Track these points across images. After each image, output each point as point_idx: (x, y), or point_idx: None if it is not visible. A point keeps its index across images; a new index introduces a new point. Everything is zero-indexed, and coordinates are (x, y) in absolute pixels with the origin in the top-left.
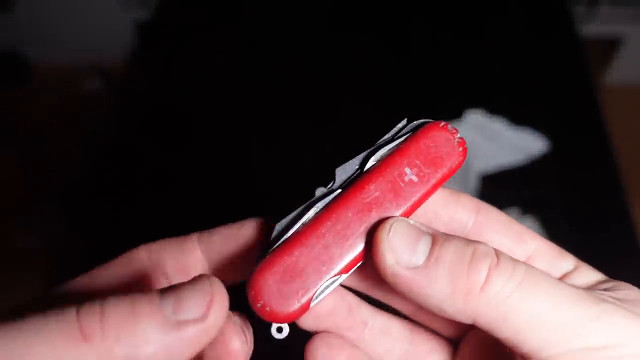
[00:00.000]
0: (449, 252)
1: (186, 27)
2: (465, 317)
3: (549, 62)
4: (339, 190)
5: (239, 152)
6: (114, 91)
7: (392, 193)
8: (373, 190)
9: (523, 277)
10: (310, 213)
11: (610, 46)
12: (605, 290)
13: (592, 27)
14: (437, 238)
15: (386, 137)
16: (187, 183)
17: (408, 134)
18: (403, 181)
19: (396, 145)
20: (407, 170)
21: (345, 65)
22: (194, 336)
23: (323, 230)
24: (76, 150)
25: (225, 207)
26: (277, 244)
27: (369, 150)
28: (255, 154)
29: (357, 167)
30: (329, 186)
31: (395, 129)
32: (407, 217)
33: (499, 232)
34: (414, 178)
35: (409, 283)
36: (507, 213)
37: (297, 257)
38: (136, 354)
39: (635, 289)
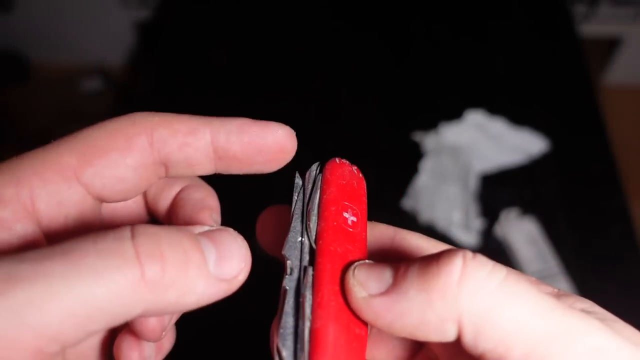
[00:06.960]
0: (415, 265)
1: (186, 27)
2: (451, 323)
3: (549, 62)
4: (310, 268)
5: None
6: (114, 91)
7: (347, 241)
8: (335, 250)
9: (506, 275)
10: (307, 304)
11: (610, 46)
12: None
13: (592, 27)
14: (399, 265)
15: (297, 197)
16: None
17: (318, 182)
18: (348, 226)
19: (318, 197)
20: (345, 214)
21: (346, 65)
22: (222, 292)
23: (331, 311)
24: None
25: (225, 205)
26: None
27: (299, 218)
28: None
29: (300, 237)
30: (289, 272)
31: (298, 186)
32: (366, 254)
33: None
34: (353, 218)
35: (384, 307)
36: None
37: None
38: (180, 302)
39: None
